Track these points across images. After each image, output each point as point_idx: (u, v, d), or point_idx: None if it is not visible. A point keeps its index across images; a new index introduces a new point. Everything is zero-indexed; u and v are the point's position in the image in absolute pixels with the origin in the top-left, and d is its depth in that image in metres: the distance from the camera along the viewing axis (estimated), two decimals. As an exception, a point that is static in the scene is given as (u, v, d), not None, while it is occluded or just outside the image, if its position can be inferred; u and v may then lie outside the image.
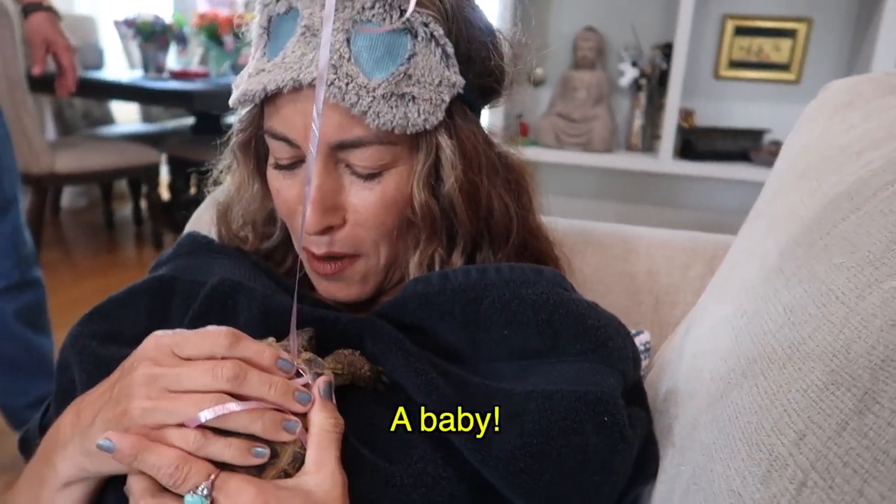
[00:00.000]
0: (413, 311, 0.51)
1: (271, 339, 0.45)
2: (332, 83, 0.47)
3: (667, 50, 2.03)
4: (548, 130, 2.08)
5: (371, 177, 0.51)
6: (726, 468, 0.38)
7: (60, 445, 0.44)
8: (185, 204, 3.68)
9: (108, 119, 3.87)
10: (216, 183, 0.68)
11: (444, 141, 0.52)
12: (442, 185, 0.53)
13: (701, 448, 0.43)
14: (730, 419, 0.40)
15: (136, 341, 0.45)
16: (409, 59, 0.49)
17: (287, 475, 0.40)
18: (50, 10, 1.40)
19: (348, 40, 0.48)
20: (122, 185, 3.85)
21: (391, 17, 0.48)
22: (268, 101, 0.51)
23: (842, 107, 0.58)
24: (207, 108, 3.19)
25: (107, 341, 0.52)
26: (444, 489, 0.44)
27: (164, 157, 3.35)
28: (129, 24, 3.34)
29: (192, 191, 3.86)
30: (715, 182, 2.08)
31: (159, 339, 0.42)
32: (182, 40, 3.53)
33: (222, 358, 0.40)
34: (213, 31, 3.58)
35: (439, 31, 0.50)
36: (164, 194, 3.56)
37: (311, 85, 0.47)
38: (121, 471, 0.41)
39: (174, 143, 3.49)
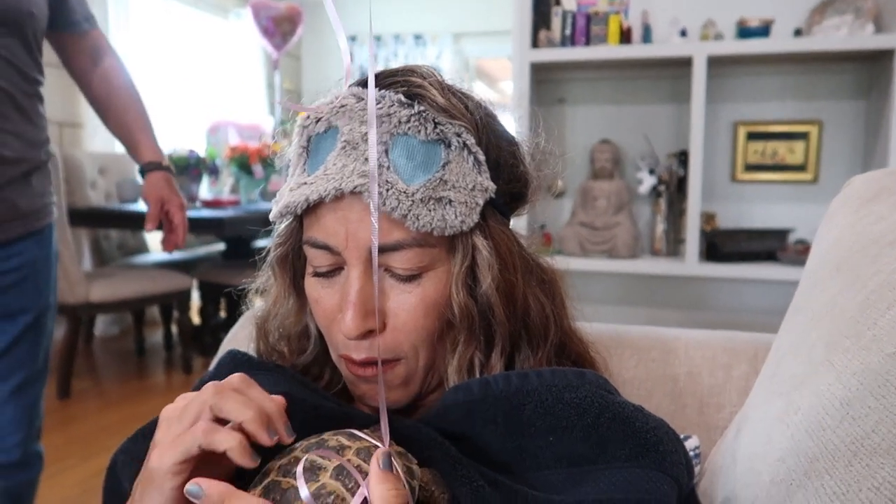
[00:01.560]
0: (456, 421, 0.51)
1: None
2: (371, 189, 0.49)
3: (682, 157, 2.09)
4: (571, 239, 2.11)
5: (410, 279, 0.52)
6: (801, 579, 0.35)
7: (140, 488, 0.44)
8: (214, 328, 3.72)
9: (142, 248, 4.01)
10: (249, 301, 0.69)
11: (480, 242, 0.53)
12: (479, 286, 0.54)
13: (769, 558, 0.40)
14: (798, 524, 0.38)
15: None
16: (443, 166, 0.52)
17: None
18: (168, 169, 1.43)
19: (387, 151, 0.51)
20: (153, 312, 3.92)
21: (426, 129, 0.51)
22: (308, 213, 0.53)
23: (867, 200, 0.59)
24: (237, 234, 3.30)
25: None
26: None
27: (195, 283, 3.42)
28: (165, 159, 3.52)
29: (222, 314, 3.91)
30: (742, 283, 2.07)
31: (168, 407, 0.45)
32: (214, 171, 3.70)
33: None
34: (244, 162, 3.76)
35: (471, 140, 0.53)
36: (195, 319, 3.62)
37: (353, 192, 0.49)
38: None
39: (205, 268, 3.58)
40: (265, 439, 0.41)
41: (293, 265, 0.60)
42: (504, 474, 0.47)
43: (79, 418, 2.69)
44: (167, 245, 1.43)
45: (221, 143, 4.37)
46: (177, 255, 4.01)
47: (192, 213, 3.05)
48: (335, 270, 0.54)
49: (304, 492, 0.39)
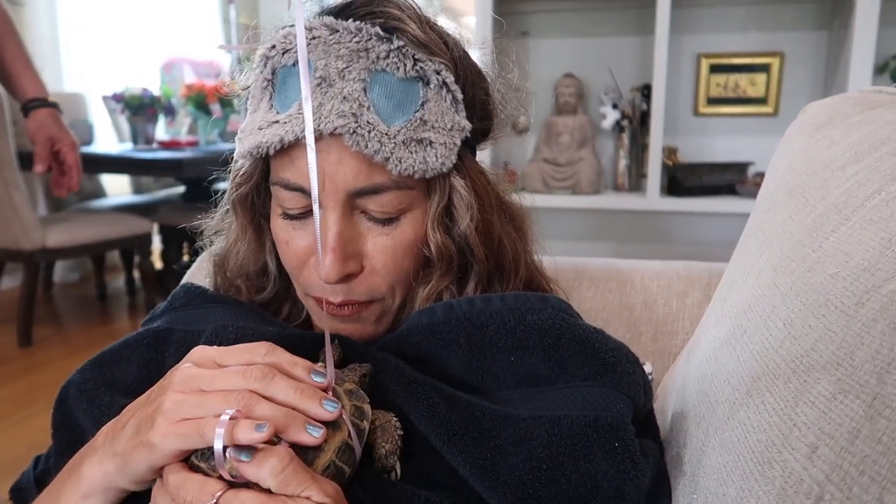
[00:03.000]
0: (418, 343, 0.51)
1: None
2: (353, 131, 0.47)
3: (645, 91, 2.07)
4: (535, 176, 2.10)
5: (388, 221, 0.51)
6: (739, 490, 0.37)
7: (91, 452, 0.44)
8: (177, 272, 3.67)
9: (99, 193, 3.90)
10: (207, 240, 0.68)
11: (458, 182, 0.53)
12: (457, 225, 0.53)
13: (712, 473, 0.41)
14: (738, 440, 0.39)
15: (130, 392, 0.47)
16: (422, 105, 0.50)
17: (337, 468, 0.40)
18: (54, 106, 1.34)
19: (365, 90, 0.48)
20: (114, 257, 3.85)
21: (405, 65, 0.49)
22: (278, 153, 0.51)
23: (821, 125, 0.59)
24: (197, 175, 3.22)
25: (105, 390, 0.52)
26: None
27: (155, 227, 3.35)
28: (118, 98, 3.39)
29: (185, 258, 3.86)
30: (703, 216, 2.10)
31: (204, 350, 0.44)
32: (170, 111, 3.58)
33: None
34: (201, 101, 3.64)
35: (450, 77, 0.51)
36: (157, 263, 3.56)
37: (332, 134, 0.47)
38: (141, 485, 0.42)
39: (165, 211, 3.50)
40: (310, 440, 0.39)
41: (254, 204, 0.58)
42: (464, 392, 0.48)
43: (42, 365, 2.66)
44: (58, 188, 1.34)
45: (177, 80, 4.21)
46: (136, 199, 3.92)
47: (148, 155, 2.98)
48: (307, 213, 0.52)
49: None
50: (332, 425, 0.41)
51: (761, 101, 2.06)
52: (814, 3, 1.99)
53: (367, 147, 0.47)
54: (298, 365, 0.42)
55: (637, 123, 2.11)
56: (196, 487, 0.38)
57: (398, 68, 0.49)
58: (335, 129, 0.46)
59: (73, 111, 3.50)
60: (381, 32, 0.49)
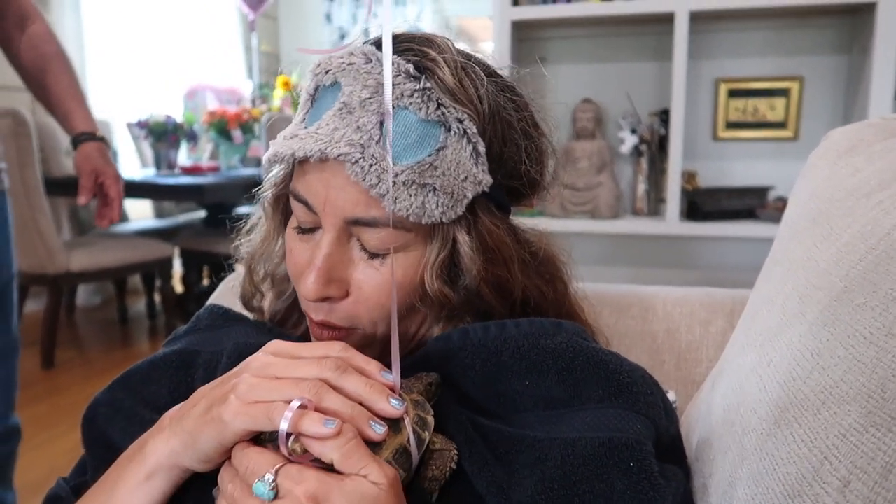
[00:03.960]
0: (436, 368, 0.51)
1: None
2: (356, 161, 0.47)
3: (664, 116, 2.08)
4: (553, 200, 2.10)
5: (377, 256, 0.51)
6: (770, 524, 0.36)
7: (155, 433, 0.46)
8: (198, 296, 3.70)
9: (122, 217, 3.95)
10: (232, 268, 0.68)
11: (462, 237, 0.52)
12: (462, 278, 0.53)
13: (741, 505, 0.41)
14: (767, 471, 0.38)
15: (159, 412, 0.47)
16: (438, 150, 0.50)
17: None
18: (102, 140, 1.37)
19: (381, 123, 0.49)
20: (135, 281, 3.89)
21: (427, 107, 0.49)
22: (298, 164, 0.52)
23: (844, 152, 0.59)
24: (218, 200, 3.26)
25: (142, 407, 0.53)
26: None
27: (176, 251, 3.39)
28: (142, 125, 3.46)
29: (205, 282, 3.89)
30: (723, 240, 2.08)
31: (281, 343, 0.46)
32: (192, 137, 3.64)
33: None
34: (223, 127, 3.70)
35: (472, 129, 0.50)
36: (178, 287, 3.60)
37: (337, 159, 0.48)
38: (206, 464, 0.44)
39: (186, 236, 3.55)
40: (392, 412, 0.42)
41: (284, 209, 0.59)
42: (481, 416, 0.48)
43: (64, 388, 2.69)
44: (100, 220, 1.38)
45: (199, 107, 4.28)
46: (158, 223, 3.98)
47: (170, 181, 3.02)
48: (315, 229, 0.53)
49: None
50: (393, 427, 0.42)
51: (781, 125, 2.06)
52: (833, 27, 1.99)
53: (364, 179, 0.48)
54: (371, 363, 0.44)
55: (655, 148, 2.11)
56: (257, 458, 0.40)
57: (420, 109, 0.49)
58: (339, 154, 0.47)
59: (98, 138, 3.56)
60: (412, 70, 0.49)
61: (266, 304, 0.64)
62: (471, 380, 0.51)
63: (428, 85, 0.49)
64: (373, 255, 0.51)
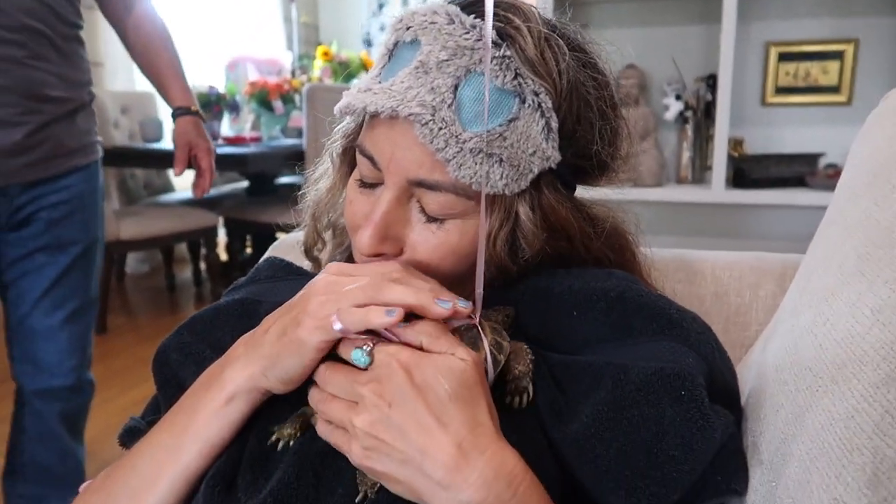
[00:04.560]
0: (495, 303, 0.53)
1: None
2: (426, 123, 0.48)
3: (710, 81, 2.02)
4: (624, 185, 2.08)
5: (435, 220, 0.52)
6: (825, 477, 0.36)
7: (231, 361, 0.49)
8: (242, 264, 3.78)
9: (167, 188, 4.04)
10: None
11: (524, 210, 0.52)
12: (524, 251, 0.54)
13: (794, 461, 0.41)
14: (823, 427, 0.38)
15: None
16: (509, 121, 0.49)
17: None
18: (197, 114, 1.49)
19: (457, 87, 0.48)
20: (182, 250, 3.99)
21: (505, 76, 0.48)
22: (368, 119, 0.52)
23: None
24: (261, 170, 3.31)
25: (210, 351, 0.56)
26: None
27: (220, 220, 3.46)
28: (186, 96, 3.50)
29: (248, 251, 3.96)
30: (771, 209, 2.04)
31: (341, 265, 0.50)
32: (235, 108, 3.69)
33: None
34: (264, 98, 3.73)
35: (548, 103, 0.50)
36: (222, 255, 3.67)
37: (407, 119, 0.48)
38: (287, 385, 0.47)
39: (230, 205, 3.61)
40: (440, 311, 0.45)
41: (351, 161, 0.59)
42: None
43: (116, 352, 2.79)
44: (197, 190, 1.52)
45: (241, 79, 4.32)
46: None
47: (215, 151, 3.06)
48: (377, 185, 0.53)
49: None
50: (473, 346, 0.46)
51: (834, 89, 1.99)
52: (891, -14, 1.90)
53: (432, 142, 0.48)
54: (431, 280, 0.48)
55: (701, 114, 2.06)
56: (350, 347, 0.45)
57: (497, 76, 0.48)
58: (410, 114, 0.47)
59: (143, 110, 3.64)
60: (493, 36, 0.49)
61: (325, 256, 0.65)
62: (531, 318, 0.53)
63: (508, 53, 0.49)
64: (431, 219, 0.51)
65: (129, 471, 0.52)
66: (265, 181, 3.78)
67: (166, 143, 3.61)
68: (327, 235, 0.64)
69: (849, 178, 0.60)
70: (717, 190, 1.94)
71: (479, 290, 0.48)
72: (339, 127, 0.58)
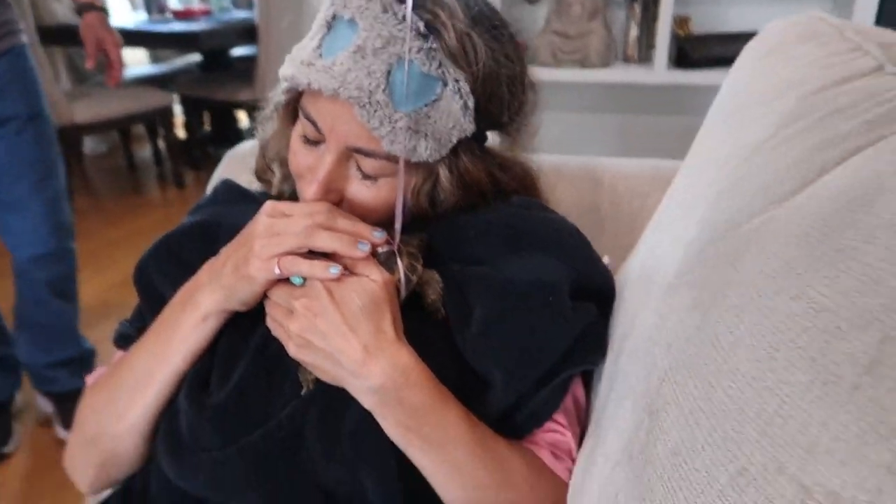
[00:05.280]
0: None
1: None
2: (363, 105, 0.56)
3: (659, -43, 2.02)
4: (544, 49, 2.11)
5: (370, 178, 0.61)
6: (637, 366, 0.49)
7: (200, 288, 0.61)
8: (201, 141, 3.78)
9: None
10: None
11: (444, 173, 0.62)
12: (441, 204, 0.65)
13: (626, 350, 0.54)
14: (641, 327, 0.51)
15: (193, 271, 0.63)
16: (434, 102, 0.58)
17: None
18: (102, 10, 1.59)
19: (389, 72, 0.56)
20: (139, 128, 3.94)
21: (430, 64, 0.56)
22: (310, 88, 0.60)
23: (767, 52, 0.66)
24: (214, 47, 3.23)
25: (178, 268, 0.66)
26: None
27: (176, 97, 3.42)
28: (128, -35, 3.33)
29: (206, 127, 3.94)
30: (710, 89, 2.11)
31: (275, 205, 0.59)
32: (181, -23, 3.52)
33: None
34: (211, -34, 3.55)
35: (466, 88, 0.58)
36: (181, 133, 3.66)
37: (347, 100, 0.56)
38: (246, 306, 0.60)
39: (184, 82, 3.55)
40: (359, 254, 0.56)
41: (294, 112, 0.67)
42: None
43: (84, 234, 2.85)
44: (108, 80, 1.64)
45: (184, -57, 4.06)
46: (154, 69, 3.95)
47: (164, 28, 2.98)
48: (317, 143, 0.62)
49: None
50: (388, 269, 0.57)
51: (779, -35, 2.01)
52: None
53: (369, 122, 0.56)
54: (354, 219, 0.59)
55: (650, -8, 2.07)
56: (287, 287, 0.58)
57: (424, 64, 0.56)
58: (350, 97, 0.55)
59: (83, -21, 3.45)
60: (422, 28, 0.56)
61: (275, 180, 0.74)
62: (442, 242, 0.64)
63: (434, 45, 0.56)
64: (366, 177, 0.61)
65: (126, 371, 0.64)
66: (219, 56, 3.69)
67: (113, 17, 3.47)
68: (275, 165, 0.73)
69: (715, 107, 0.69)
70: (660, 70, 2.00)
71: (398, 225, 0.58)
72: (283, 86, 0.65)
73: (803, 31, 0.64)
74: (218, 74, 3.63)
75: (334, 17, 0.58)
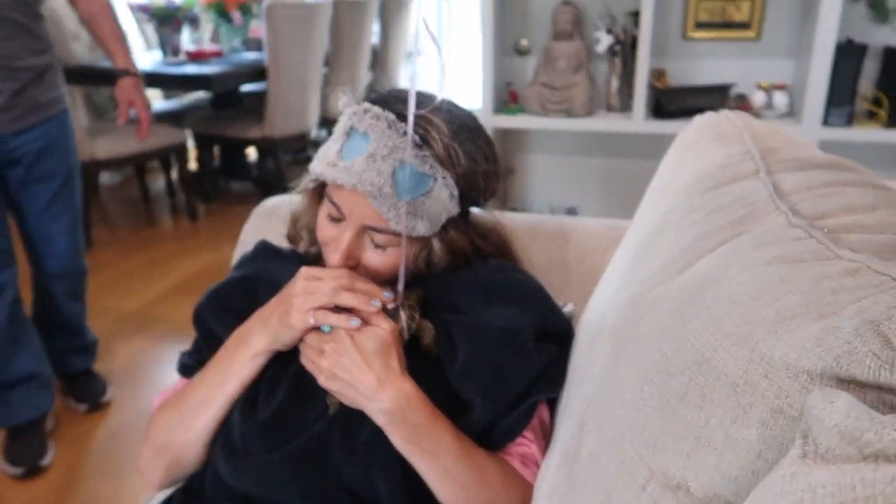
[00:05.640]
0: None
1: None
2: (375, 196, 0.73)
3: (637, 16, 2.23)
4: (533, 99, 2.31)
5: (381, 248, 0.79)
6: (574, 403, 0.67)
7: (251, 333, 0.79)
8: (211, 174, 3.98)
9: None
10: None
11: (436, 244, 0.81)
12: (434, 266, 0.83)
13: (573, 383, 0.72)
14: (578, 369, 0.69)
15: (239, 318, 0.81)
16: (428, 192, 0.75)
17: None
18: (136, 75, 1.88)
19: (394, 172, 0.73)
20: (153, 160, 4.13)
21: (424, 166, 0.75)
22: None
23: (688, 146, 0.84)
24: (225, 89, 3.44)
25: (228, 314, 0.84)
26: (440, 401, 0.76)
27: (188, 132, 3.62)
28: (145, 9, 3.55)
29: (216, 162, 4.13)
30: (686, 135, 2.31)
31: (309, 271, 0.77)
32: (193, 20, 3.74)
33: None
34: (222, 9, 3.78)
35: (451, 182, 0.77)
36: (192, 164, 3.85)
37: (363, 192, 0.74)
38: (286, 346, 0.77)
39: (196, 119, 3.75)
40: (372, 309, 0.74)
41: (319, 195, 0.85)
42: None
43: (103, 265, 3.04)
44: (138, 135, 1.95)
45: (197, -13, 4.29)
46: (167, 105, 4.16)
47: (179, 70, 3.19)
48: (339, 220, 0.80)
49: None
50: (394, 319, 0.76)
51: (745, 25, 2.22)
52: (801, -71, 2.09)
53: (379, 208, 0.74)
54: (369, 283, 0.77)
55: (629, 47, 2.28)
56: (318, 334, 0.75)
57: (419, 166, 0.74)
58: (365, 190, 0.74)
59: (103, 23, 3.66)
60: (417, 140, 0.74)
61: (303, 244, 0.93)
62: (434, 295, 0.82)
63: (426, 153, 0.75)
64: (377, 247, 0.79)
65: (192, 395, 0.81)
66: (230, 94, 3.90)
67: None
68: (303, 233, 0.92)
69: (653, 182, 0.87)
70: (638, 120, 2.20)
71: (401, 286, 0.77)
72: (311, 175, 0.83)
73: (715, 131, 0.82)
74: (228, 112, 3.84)
75: (352, 128, 0.77)
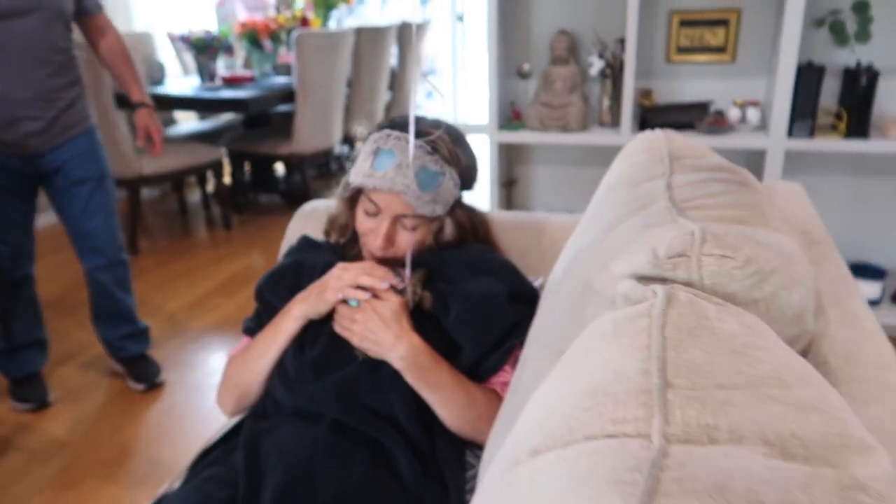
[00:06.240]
0: (425, 266, 1.11)
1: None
2: (405, 192, 1.03)
3: (624, 43, 2.51)
4: (534, 117, 2.60)
5: (409, 230, 1.09)
6: (539, 350, 0.94)
7: (296, 305, 1.07)
8: (244, 188, 4.31)
9: (170, 120, 4.48)
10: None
11: (447, 221, 1.11)
12: (444, 237, 1.12)
13: (538, 333, 0.99)
14: (542, 322, 0.96)
15: (291, 293, 1.11)
16: (440, 185, 1.05)
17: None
18: (151, 106, 2.27)
19: (416, 174, 1.03)
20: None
21: (437, 166, 1.05)
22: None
23: (626, 155, 1.12)
24: (259, 111, 3.77)
25: (284, 290, 1.13)
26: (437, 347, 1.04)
27: (223, 150, 3.95)
28: (185, 40, 3.91)
29: (246, 177, 4.46)
30: (671, 147, 2.57)
31: (342, 264, 1.07)
32: (228, 49, 4.09)
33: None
34: (254, 38, 4.12)
35: (455, 176, 1.08)
36: (226, 178, 4.19)
37: (396, 192, 1.04)
38: (320, 315, 1.07)
39: (231, 138, 4.09)
40: (383, 289, 1.03)
41: (354, 200, 1.15)
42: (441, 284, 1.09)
43: (149, 270, 3.36)
44: (151, 153, 2.31)
45: (229, 16, 4.66)
46: (203, 125, 4.51)
47: (217, 95, 3.54)
48: (374, 215, 1.09)
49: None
50: (403, 294, 1.04)
51: (721, 49, 2.49)
52: (767, -35, 2.35)
53: (410, 200, 1.04)
54: (385, 269, 1.06)
55: (618, 70, 2.56)
56: (347, 307, 1.04)
57: (433, 166, 1.05)
58: (398, 191, 1.03)
59: (143, 49, 4.02)
60: (429, 149, 1.04)
61: (335, 237, 1.22)
62: (435, 269, 1.10)
63: (437, 157, 1.05)
64: (407, 228, 1.09)
65: (254, 348, 1.10)
66: (261, 115, 4.24)
67: (171, 84, 4.03)
68: (337, 229, 1.21)
69: (601, 184, 1.15)
70: (625, 135, 2.47)
71: (408, 272, 1.06)
72: (349, 185, 1.13)
73: (645, 144, 1.10)
74: (259, 131, 4.18)
75: (378, 149, 1.07)
